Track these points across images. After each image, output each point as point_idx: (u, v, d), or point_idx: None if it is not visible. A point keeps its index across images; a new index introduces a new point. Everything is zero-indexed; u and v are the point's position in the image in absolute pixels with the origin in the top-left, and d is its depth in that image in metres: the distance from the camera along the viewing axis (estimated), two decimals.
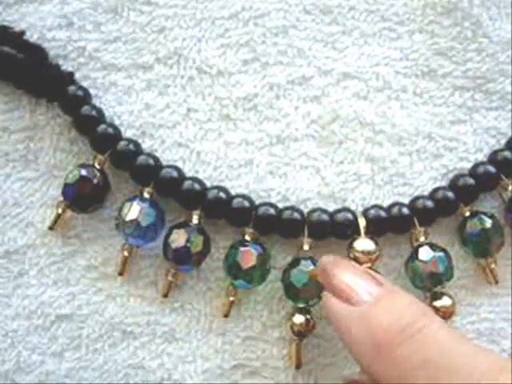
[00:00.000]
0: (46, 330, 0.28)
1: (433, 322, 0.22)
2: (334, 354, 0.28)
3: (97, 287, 0.28)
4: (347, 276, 0.24)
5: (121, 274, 0.27)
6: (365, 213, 0.28)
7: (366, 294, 0.23)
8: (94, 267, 0.28)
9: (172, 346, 0.28)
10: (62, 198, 0.27)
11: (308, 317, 0.27)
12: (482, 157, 0.29)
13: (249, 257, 0.26)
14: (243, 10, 0.28)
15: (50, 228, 0.27)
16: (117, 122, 0.28)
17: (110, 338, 0.28)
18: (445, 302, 0.28)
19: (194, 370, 0.28)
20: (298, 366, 0.27)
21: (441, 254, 0.27)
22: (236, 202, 0.27)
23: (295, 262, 0.27)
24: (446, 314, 0.28)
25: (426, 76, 0.29)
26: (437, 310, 0.28)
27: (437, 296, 0.28)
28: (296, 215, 0.27)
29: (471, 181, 0.28)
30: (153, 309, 0.28)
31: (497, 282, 0.29)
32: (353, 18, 0.29)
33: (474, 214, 0.28)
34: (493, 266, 0.28)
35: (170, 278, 0.27)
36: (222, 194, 0.27)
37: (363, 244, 0.27)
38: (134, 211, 0.27)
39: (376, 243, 0.27)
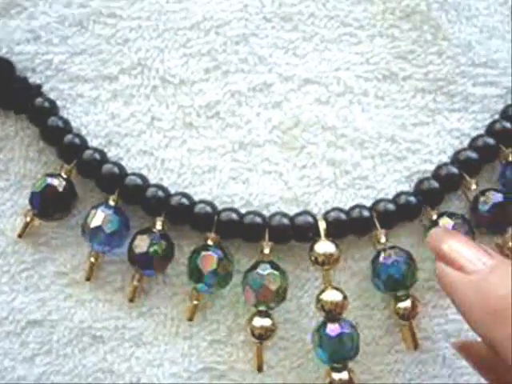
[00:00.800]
0: (17, 336, 0.29)
1: None
2: (301, 357, 0.29)
3: (66, 293, 0.29)
4: (460, 245, 0.24)
5: (88, 279, 0.28)
6: (325, 215, 0.28)
7: (479, 263, 0.23)
8: (64, 273, 0.29)
9: (140, 350, 0.29)
10: (30, 207, 0.28)
11: (268, 320, 0.27)
12: (445, 158, 0.29)
13: (209, 261, 0.27)
14: (204, 19, 0.29)
15: (19, 236, 0.28)
16: (83, 132, 0.29)
17: (79, 343, 0.29)
18: (409, 303, 0.28)
19: (162, 373, 0.29)
20: (260, 369, 0.28)
21: (400, 258, 0.27)
22: (198, 208, 0.28)
23: (254, 266, 0.27)
24: (409, 316, 0.28)
25: (388, 79, 0.29)
26: (401, 311, 0.28)
27: (401, 298, 0.28)
28: (257, 219, 0.28)
29: (435, 184, 0.28)
30: (121, 313, 0.29)
31: None
32: (313, 25, 0.29)
33: (440, 215, 0.28)
34: None
35: (135, 282, 0.28)
36: (184, 200, 0.28)
37: (323, 247, 0.27)
38: (98, 218, 0.27)
39: (336, 246, 0.27)
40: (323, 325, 0.27)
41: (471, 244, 0.24)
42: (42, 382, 0.28)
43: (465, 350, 0.26)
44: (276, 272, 0.27)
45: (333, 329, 0.27)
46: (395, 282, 0.27)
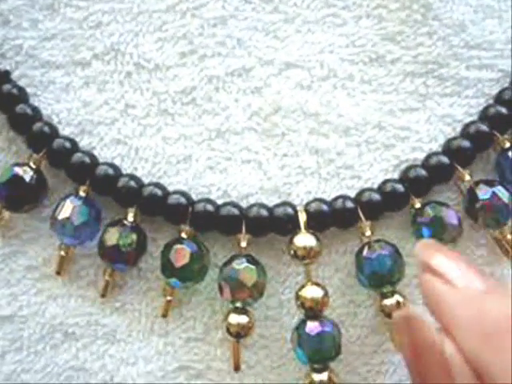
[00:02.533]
0: None
1: None
2: (281, 356, 0.27)
3: (37, 288, 0.28)
4: (451, 260, 0.22)
5: (58, 273, 0.27)
6: (306, 207, 0.26)
7: (472, 280, 0.21)
8: (35, 267, 0.28)
9: (114, 348, 0.27)
10: None
11: (245, 317, 0.26)
12: (436, 146, 0.27)
13: (182, 255, 0.26)
14: (180, 2, 0.28)
15: None
16: (55, 120, 0.28)
17: (51, 340, 0.27)
18: (395, 300, 0.26)
19: (137, 371, 0.27)
20: (237, 369, 0.26)
21: (386, 252, 0.26)
22: (172, 199, 0.26)
23: (229, 260, 0.26)
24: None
25: (374, 62, 0.27)
26: (387, 308, 0.26)
27: (387, 295, 0.26)
28: (234, 211, 0.26)
29: (423, 172, 0.27)
30: (93, 309, 0.27)
31: None
32: (295, 6, 0.28)
33: (426, 204, 0.26)
34: None
35: (106, 277, 0.27)
36: (157, 191, 0.26)
37: (303, 239, 0.26)
38: (66, 210, 0.26)
39: (317, 238, 0.26)
40: (303, 323, 0.26)
41: (463, 260, 0.22)
42: (12, 381, 0.27)
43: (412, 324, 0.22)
44: (252, 266, 0.26)
45: (312, 327, 0.25)
46: (380, 277, 0.26)
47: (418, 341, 0.21)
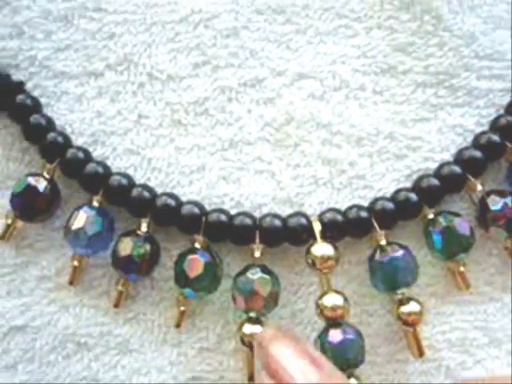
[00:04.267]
0: None
1: None
2: None
3: (50, 298, 0.27)
4: (284, 356, 0.21)
5: (71, 283, 0.27)
6: (320, 217, 0.26)
7: (301, 377, 0.21)
8: (48, 277, 0.28)
9: (126, 358, 0.27)
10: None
11: (259, 327, 0.26)
12: (448, 156, 0.28)
13: (196, 265, 0.26)
14: (193, 13, 0.28)
15: (1, 238, 0.27)
16: (68, 130, 0.28)
17: (63, 350, 0.27)
18: (412, 307, 0.26)
19: (149, 382, 0.27)
20: (251, 379, 0.26)
21: (398, 254, 0.26)
22: (185, 209, 0.26)
23: (243, 270, 0.26)
24: (414, 321, 0.26)
25: (386, 73, 0.28)
26: (404, 315, 0.26)
27: (403, 301, 0.26)
28: (247, 221, 0.26)
29: (435, 181, 0.27)
30: (106, 319, 0.27)
31: (468, 287, 0.27)
32: (307, 17, 0.28)
33: (438, 214, 0.27)
34: (461, 269, 0.27)
35: (119, 287, 0.27)
36: (171, 201, 0.26)
37: (321, 249, 0.26)
38: (80, 220, 0.26)
39: (335, 247, 0.26)
40: (325, 331, 0.26)
41: (301, 354, 0.21)
42: None
43: None
44: (267, 276, 0.26)
45: (335, 335, 0.25)
46: (394, 279, 0.26)
47: None
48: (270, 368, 0.22)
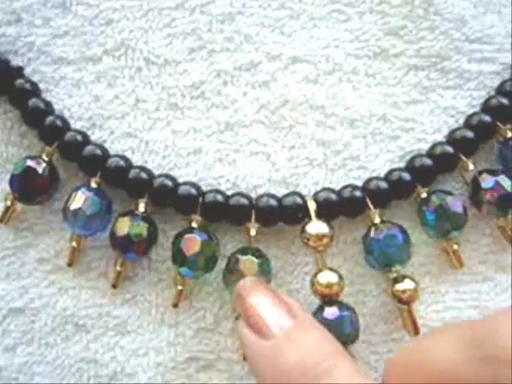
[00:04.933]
0: None
1: (339, 363, 0.21)
2: None
3: (49, 280, 0.28)
4: (260, 305, 0.23)
5: (70, 264, 0.27)
6: (315, 196, 0.27)
7: (276, 326, 0.22)
8: (46, 260, 0.28)
9: (124, 339, 0.28)
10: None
11: None
12: (440, 137, 0.28)
13: (192, 243, 0.26)
14: None
15: (0, 221, 0.27)
16: (67, 115, 0.28)
17: (62, 332, 0.28)
18: (407, 285, 0.27)
19: (147, 363, 0.27)
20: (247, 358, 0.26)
21: (392, 231, 0.26)
22: (182, 190, 0.27)
23: (236, 252, 0.26)
24: (409, 298, 0.26)
25: (378, 56, 0.28)
26: (399, 293, 0.26)
27: (398, 279, 0.27)
28: (243, 201, 0.27)
29: (428, 161, 0.27)
30: (104, 301, 0.28)
31: (462, 266, 0.27)
32: (300, 2, 0.28)
33: (431, 193, 0.27)
34: (455, 247, 0.27)
35: (117, 267, 0.27)
36: (168, 182, 0.27)
37: (316, 227, 0.26)
38: (78, 200, 0.26)
39: (329, 225, 0.26)
40: (320, 309, 0.26)
41: (277, 303, 0.23)
42: (24, 373, 0.27)
43: None
44: (255, 259, 0.26)
45: (331, 312, 0.26)
46: (389, 256, 0.26)
47: None
48: (247, 317, 0.22)
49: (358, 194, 0.27)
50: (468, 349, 0.19)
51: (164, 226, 0.28)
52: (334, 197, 0.27)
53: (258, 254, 0.26)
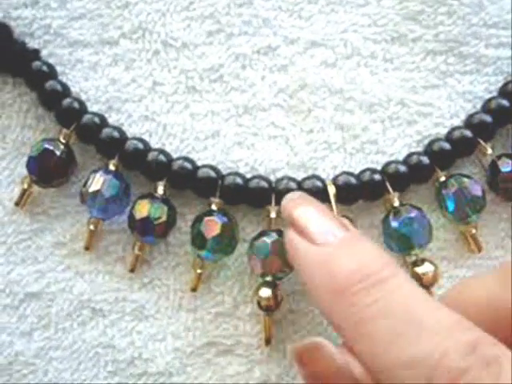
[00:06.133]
0: (14, 309, 0.27)
1: (397, 273, 0.21)
2: (309, 330, 0.27)
3: (65, 264, 0.28)
4: (311, 212, 0.22)
5: (87, 248, 0.27)
6: (334, 180, 0.27)
7: (330, 234, 0.21)
8: (62, 244, 0.28)
9: (142, 324, 0.27)
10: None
11: (274, 290, 0.26)
12: (458, 122, 0.28)
13: (213, 226, 0.26)
14: None
15: (17, 204, 0.27)
16: (83, 98, 0.28)
17: (79, 317, 0.27)
18: (426, 268, 0.27)
19: (165, 347, 0.27)
20: (268, 342, 0.26)
21: (412, 215, 0.26)
22: (202, 172, 0.27)
23: (260, 234, 0.26)
24: (428, 281, 0.26)
25: (396, 41, 0.28)
26: (418, 276, 0.26)
27: (418, 262, 0.27)
28: (263, 184, 0.27)
29: (447, 145, 0.27)
30: (121, 285, 0.27)
31: (480, 250, 0.27)
32: None
33: (450, 177, 0.27)
34: (473, 231, 0.27)
35: (136, 251, 0.27)
36: (187, 165, 0.27)
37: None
38: (97, 182, 0.26)
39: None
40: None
41: (327, 214, 0.22)
42: (40, 358, 0.27)
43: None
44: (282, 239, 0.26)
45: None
46: (408, 240, 0.26)
47: (321, 371, 0.21)
48: (298, 225, 0.22)
49: (377, 177, 0.27)
50: (503, 279, 0.20)
51: (182, 210, 0.27)
52: (353, 180, 0.27)
53: (282, 234, 0.26)
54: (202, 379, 0.27)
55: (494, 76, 0.28)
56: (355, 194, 0.27)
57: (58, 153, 0.26)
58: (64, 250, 0.28)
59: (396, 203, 0.27)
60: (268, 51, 0.28)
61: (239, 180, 0.27)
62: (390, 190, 0.27)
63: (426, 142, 0.28)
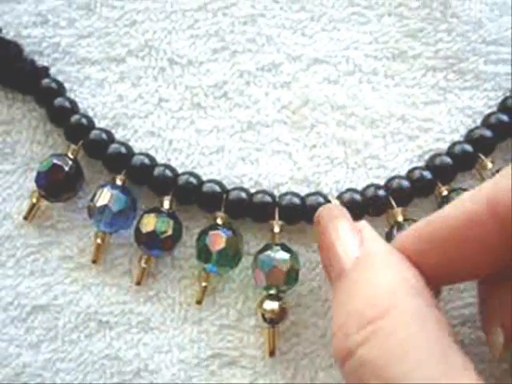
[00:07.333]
0: (22, 322, 0.28)
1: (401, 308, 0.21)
2: (313, 342, 0.28)
3: (72, 277, 0.28)
4: (339, 231, 0.23)
5: (94, 261, 0.27)
6: (339, 197, 0.27)
7: (348, 259, 0.22)
8: (70, 257, 0.28)
9: (148, 336, 0.28)
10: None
11: (279, 303, 0.27)
12: (458, 137, 0.29)
13: (218, 240, 0.26)
14: (212, 1, 0.29)
15: (25, 218, 0.28)
16: (91, 114, 0.28)
17: (85, 329, 0.28)
18: None
19: (170, 359, 0.28)
20: (272, 354, 0.27)
21: None
22: (207, 187, 0.27)
23: (264, 248, 0.27)
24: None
25: (397, 58, 0.29)
26: None
27: None
28: (267, 198, 0.27)
29: (448, 160, 0.28)
30: (128, 298, 0.28)
31: None
32: (321, 5, 0.29)
33: (452, 191, 0.27)
34: None
35: (142, 264, 0.27)
36: (192, 180, 0.27)
37: None
38: (104, 197, 0.27)
39: None
40: None
41: (351, 230, 0.23)
42: (48, 369, 0.28)
43: None
44: (287, 254, 0.26)
45: None
46: None
47: None
48: (323, 243, 0.23)
49: (381, 193, 0.27)
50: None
51: (187, 224, 0.28)
52: (358, 197, 0.27)
53: (286, 248, 0.26)
54: None
55: (494, 91, 0.29)
56: (360, 210, 0.27)
57: (66, 168, 0.27)
58: (71, 263, 0.28)
59: (400, 218, 0.27)
60: (271, 68, 0.29)
61: (243, 195, 0.27)
62: (394, 205, 0.27)
63: (427, 156, 0.28)
